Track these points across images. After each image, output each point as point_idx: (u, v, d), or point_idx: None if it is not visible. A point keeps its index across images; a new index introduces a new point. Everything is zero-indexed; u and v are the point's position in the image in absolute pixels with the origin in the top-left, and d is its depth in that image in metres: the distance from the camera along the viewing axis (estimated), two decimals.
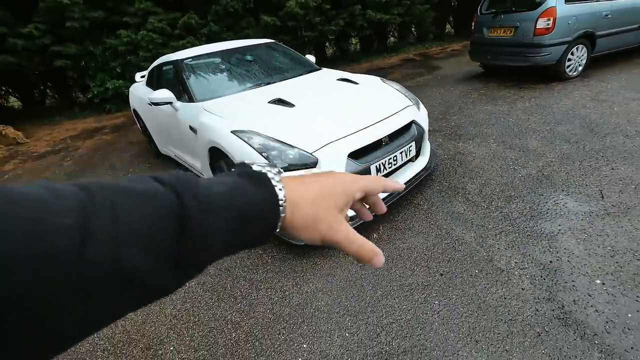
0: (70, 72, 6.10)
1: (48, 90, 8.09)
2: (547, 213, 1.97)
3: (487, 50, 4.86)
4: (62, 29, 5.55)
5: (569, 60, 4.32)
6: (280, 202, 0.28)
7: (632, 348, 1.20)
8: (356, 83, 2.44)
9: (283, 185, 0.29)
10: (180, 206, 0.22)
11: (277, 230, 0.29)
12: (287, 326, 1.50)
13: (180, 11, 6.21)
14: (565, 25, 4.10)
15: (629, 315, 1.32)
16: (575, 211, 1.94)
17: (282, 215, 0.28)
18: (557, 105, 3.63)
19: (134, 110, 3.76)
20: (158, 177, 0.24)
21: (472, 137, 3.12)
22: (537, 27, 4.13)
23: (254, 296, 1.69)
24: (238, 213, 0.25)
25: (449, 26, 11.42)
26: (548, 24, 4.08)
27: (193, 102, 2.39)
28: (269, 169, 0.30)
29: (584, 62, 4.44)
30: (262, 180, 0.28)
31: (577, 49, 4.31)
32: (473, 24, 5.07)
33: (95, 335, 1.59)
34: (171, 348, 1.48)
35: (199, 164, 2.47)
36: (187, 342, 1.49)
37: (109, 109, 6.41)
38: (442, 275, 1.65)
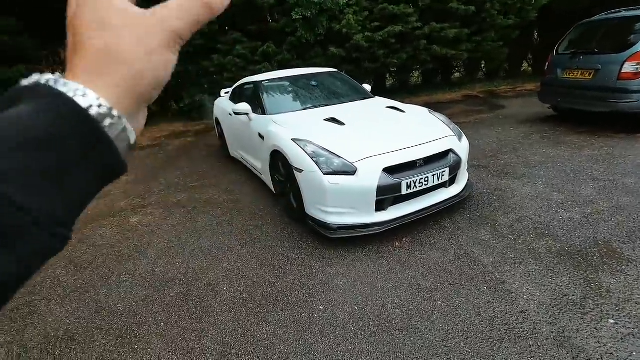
0: (172, 86, 7.76)
1: None
2: (577, 254, 1.97)
3: (559, 92, 4.66)
4: None
5: None
6: (74, 94, 0.20)
7: None
8: (403, 111, 2.81)
9: (67, 77, 0.22)
10: None
11: (116, 128, 0.21)
12: (311, 292, 1.87)
13: (261, 41, 7.43)
14: None
15: (634, 353, 1.34)
16: (612, 257, 1.91)
17: (100, 104, 0.21)
18: (633, 157, 3.35)
19: (216, 119, 4.72)
20: None
21: (518, 177, 3.13)
22: (623, 70, 3.86)
23: (288, 268, 2.11)
24: (21, 141, 0.18)
25: (527, 64, 10.77)
26: (637, 69, 3.79)
27: (265, 114, 3.05)
28: (38, 77, 0.21)
29: None
30: (35, 91, 0.20)
31: None
32: (547, 64, 4.95)
33: (176, 271, 2.20)
34: (224, 288, 1.99)
35: (260, 165, 3.09)
36: (236, 287, 1.99)
37: (193, 117, 7.89)
38: (450, 284, 1.83)
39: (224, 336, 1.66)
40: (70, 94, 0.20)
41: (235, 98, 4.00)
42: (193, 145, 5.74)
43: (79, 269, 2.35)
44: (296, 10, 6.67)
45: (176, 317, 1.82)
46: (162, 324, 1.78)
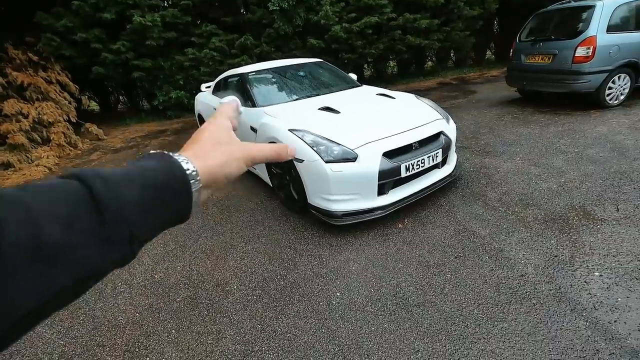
0: (143, 82, 7.23)
1: (121, 97, 9.58)
2: (560, 219, 2.18)
3: (524, 76, 5.03)
4: (142, 46, 6.69)
5: (610, 88, 4.37)
6: (181, 161, 0.31)
7: (615, 321, 1.42)
8: (393, 98, 2.88)
9: (180, 154, 0.33)
10: (86, 186, 0.24)
11: (196, 187, 0.31)
12: (325, 281, 1.89)
13: (238, 33, 7.19)
14: (606, 54, 4.18)
15: (618, 299, 1.53)
16: (588, 218, 2.13)
17: (193, 171, 0.31)
18: (591, 130, 3.72)
19: (199, 114, 4.51)
20: (60, 176, 0.26)
21: (499, 154, 3.36)
22: (576, 55, 4.24)
23: (298, 260, 2.11)
24: (143, 182, 0.27)
25: (490, 52, 11.54)
26: (587, 52, 4.19)
27: (255, 107, 2.97)
28: (164, 151, 0.32)
29: (626, 91, 4.46)
30: (160, 156, 0.31)
31: (618, 77, 4.36)
32: (512, 50, 5.29)
33: (179, 275, 2.10)
34: (235, 286, 1.94)
35: None
36: (247, 284, 1.95)
37: (169, 115, 7.44)
38: (456, 257, 1.95)
39: (243, 334, 1.62)
40: (179, 159, 0.31)
41: (220, 91, 3.84)
42: (174, 145, 5.44)
43: None
44: (272, 1, 6.52)
45: (187, 322, 1.74)
46: (173, 331, 1.70)
